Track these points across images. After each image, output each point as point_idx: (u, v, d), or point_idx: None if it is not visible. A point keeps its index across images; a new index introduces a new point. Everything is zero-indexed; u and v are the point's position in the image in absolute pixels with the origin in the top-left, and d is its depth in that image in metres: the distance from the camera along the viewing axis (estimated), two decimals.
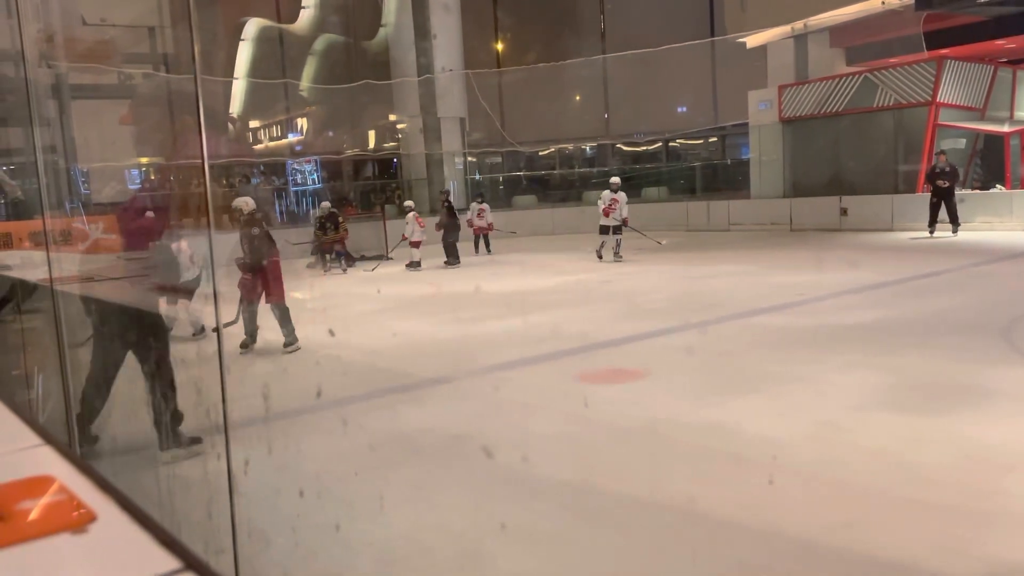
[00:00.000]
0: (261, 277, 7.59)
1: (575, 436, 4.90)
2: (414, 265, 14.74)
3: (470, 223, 16.98)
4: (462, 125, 24.73)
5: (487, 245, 17.15)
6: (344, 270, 15.20)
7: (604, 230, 13.77)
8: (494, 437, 4.91)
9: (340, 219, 15.59)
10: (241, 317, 7.80)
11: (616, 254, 13.61)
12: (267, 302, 7.65)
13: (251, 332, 7.77)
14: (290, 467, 4.46)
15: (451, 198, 16.07)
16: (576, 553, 3.40)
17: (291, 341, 7.69)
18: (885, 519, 3.53)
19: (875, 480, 3.94)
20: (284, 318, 7.66)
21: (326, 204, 16.17)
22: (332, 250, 15.45)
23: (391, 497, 3.94)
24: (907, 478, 3.94)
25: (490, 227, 17.14)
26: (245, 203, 7.86)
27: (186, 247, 9.45)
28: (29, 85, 3.53)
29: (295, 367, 7.28)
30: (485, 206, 17.20)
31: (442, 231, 15.21)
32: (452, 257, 15.09)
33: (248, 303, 7.73)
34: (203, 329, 8.72)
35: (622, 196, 13.71)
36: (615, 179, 14.01)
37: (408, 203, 16.80)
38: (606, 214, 13.69)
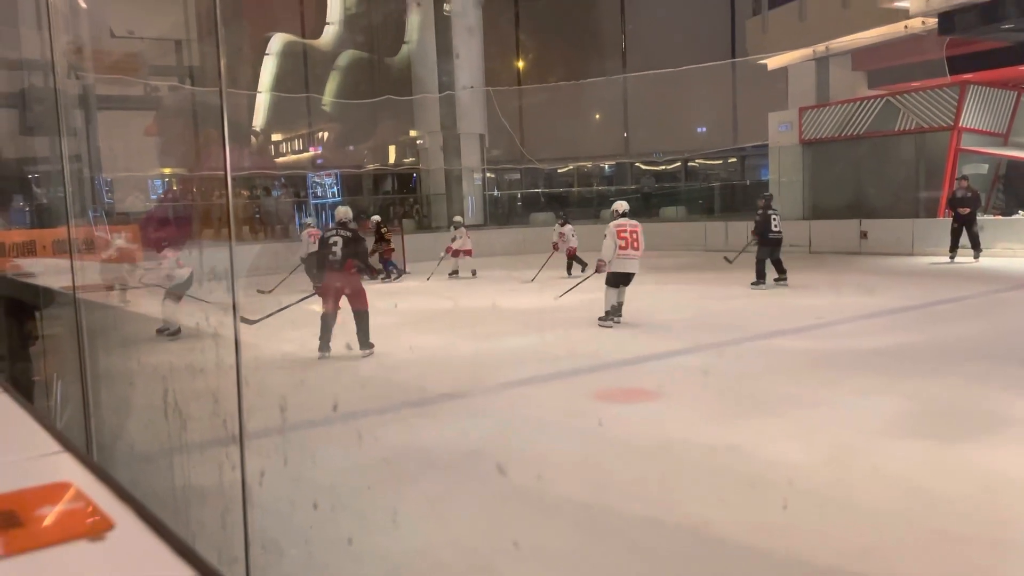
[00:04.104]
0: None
1: (589, 455, 4.87)
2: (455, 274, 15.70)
3: (554, 246, 15.15)
4: (482, 141, 24.87)
5: (581, 266, 14.51)
6: (395, 277, 15.77)
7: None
8: (508, 454, 4.89)
9: (384, 230, 15.98)
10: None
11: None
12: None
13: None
14: (305, 479, 4.47)
15: (773, 203, 12.54)
16: (589, 573, 3.37)
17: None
18: (901, 547, 3.48)
19: (892, 507, 3.89)
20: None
21: (376, 218, 16.42)
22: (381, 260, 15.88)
23: (404, 512, 3.94)
24: (924, 505, 3.89)
25: (572, 250, 14.91)
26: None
27: (170, 254, 9.67)
28: (58, 96, 3.59)
29: (313, 379, 7.31)
30: (568, 227, 15.13)
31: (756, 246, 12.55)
32: (760, 278, 12.23)
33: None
34: (178, 331, 9.02)
35: None
36: None
37: (457, 218, 17.27)
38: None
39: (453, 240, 16.08)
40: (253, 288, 12.46)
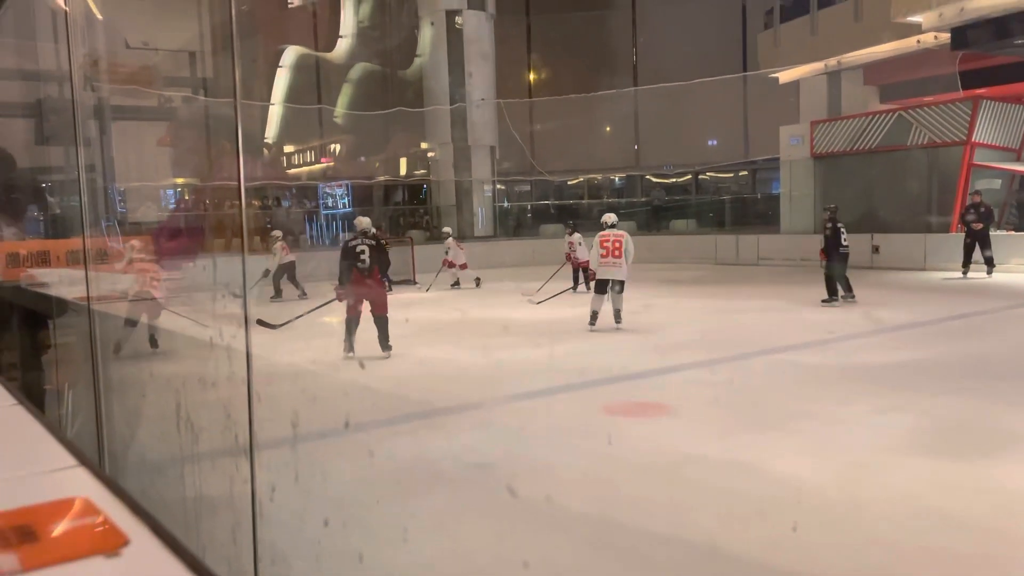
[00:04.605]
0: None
1: (599, 470, 4.86)
2: (456, 285, 15.97)
3: (567, 257, 14.61)
4: (492, 153, 24.96)
5: (586, 281, 13.63)
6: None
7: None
8: (517, 468, 4.88)
9: (384, 242, 15.95)
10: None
11: None
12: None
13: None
14: (315, 492, 4.47)
15: (837, 215, 11.67)
16: None
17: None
18: (912, 566, 3.45)
19: (903, 525, 3.86)
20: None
21: (373, 229, 16.34)
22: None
23: (413, 526, 3.93)
24: (936, 524, 3.86)
25: (585, 263, 13.53)
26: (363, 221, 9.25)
27: (149, 269, 9.48)
28: (75, 107, 3.63)
29: (323, 392, 7.31)
30: (577, 236, 14.44)
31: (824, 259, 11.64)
32: (832, 294, 11.43)
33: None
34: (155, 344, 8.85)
35: None
36: None
37: (446, 229, 17.42)
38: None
39: (447, 252, 16.27)
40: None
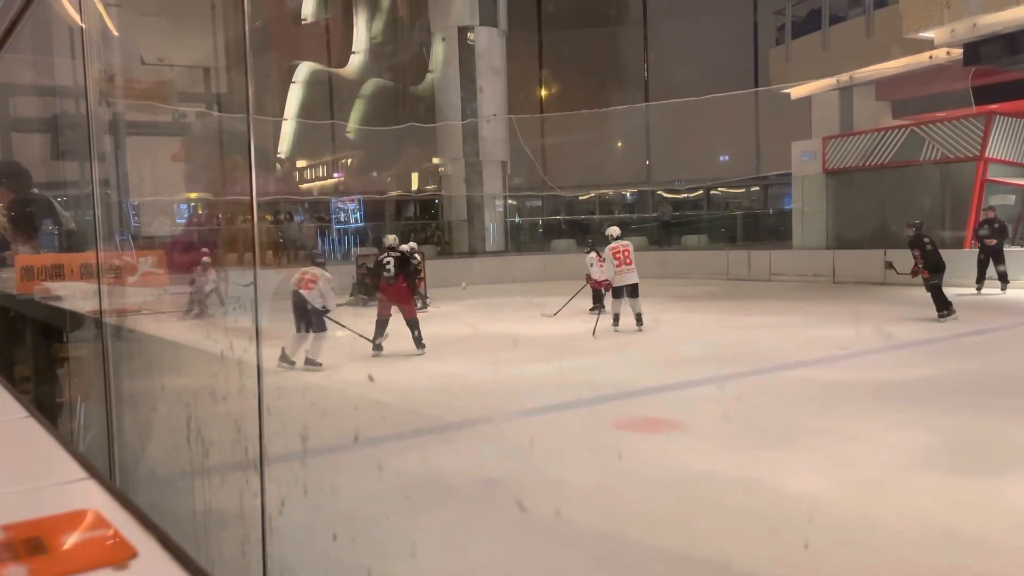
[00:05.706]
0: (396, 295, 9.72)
1: (609, 485, 4.83)
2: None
3: (588, 278, 13.46)
4: (504, 169, 25.02)
5: (599, 300, 12.92)
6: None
7: None
8: (526, 483, 4.86)
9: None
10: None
11: None
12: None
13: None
14: (324, 507, 4.46)
15: (922, 230, 11.31)
16: None
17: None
18: None
19: (915, 543, 3.82)
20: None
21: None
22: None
23: (422, 541, 3.92)
24: (949, 542, 3.82)
25: (604, 284, 12.39)
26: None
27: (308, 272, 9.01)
28: (91, 123, 3.66)
29: (333, 405, 7.32)
30: (591, 255, 13.23)
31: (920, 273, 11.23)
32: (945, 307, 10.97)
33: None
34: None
35: None
36: None
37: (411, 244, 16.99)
38: None
39: None
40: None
